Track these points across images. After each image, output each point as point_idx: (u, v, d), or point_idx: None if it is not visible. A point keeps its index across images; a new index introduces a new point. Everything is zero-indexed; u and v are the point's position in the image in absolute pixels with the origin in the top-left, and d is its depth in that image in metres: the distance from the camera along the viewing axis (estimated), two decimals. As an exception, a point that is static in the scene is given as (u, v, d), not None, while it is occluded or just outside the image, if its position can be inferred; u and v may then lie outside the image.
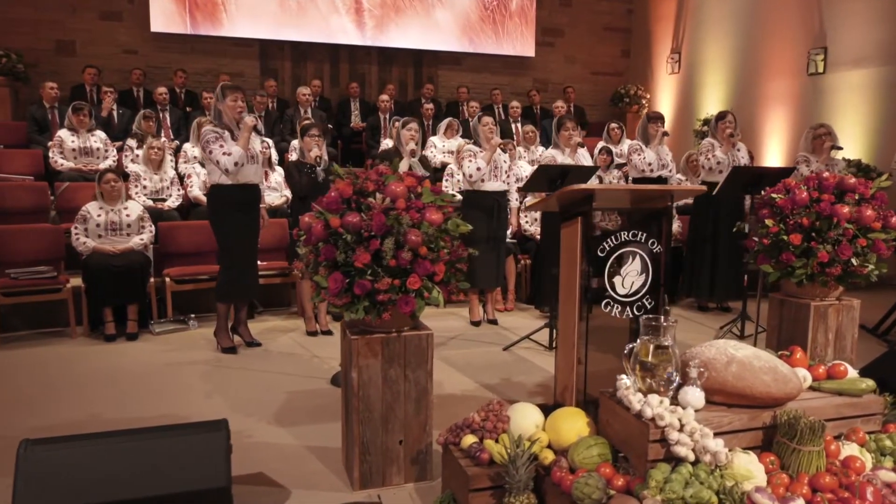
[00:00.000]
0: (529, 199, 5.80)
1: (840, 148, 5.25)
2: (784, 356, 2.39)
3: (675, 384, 2.12)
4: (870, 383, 2.27)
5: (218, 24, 8.73)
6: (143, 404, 3.48)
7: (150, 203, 5.75)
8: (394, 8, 9.36)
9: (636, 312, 3.04)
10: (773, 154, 8.20)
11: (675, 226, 6.42)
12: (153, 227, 5.15)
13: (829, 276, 3.01)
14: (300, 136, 4.82)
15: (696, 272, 5.65)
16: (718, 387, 2.11)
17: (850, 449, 2.09)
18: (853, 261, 2.96)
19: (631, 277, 2.98)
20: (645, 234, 2.97)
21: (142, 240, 4.98)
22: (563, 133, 5.26)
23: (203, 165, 5.78)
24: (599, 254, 2.91)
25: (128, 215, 4.99)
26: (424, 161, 4.90)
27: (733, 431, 2.08)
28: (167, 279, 5.11)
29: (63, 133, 6.23)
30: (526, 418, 2.33)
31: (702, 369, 2.13)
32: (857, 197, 3.07)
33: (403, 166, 4.60)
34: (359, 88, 9.09)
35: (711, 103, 9.13)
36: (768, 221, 3.13)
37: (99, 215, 4.92)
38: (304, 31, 9.09)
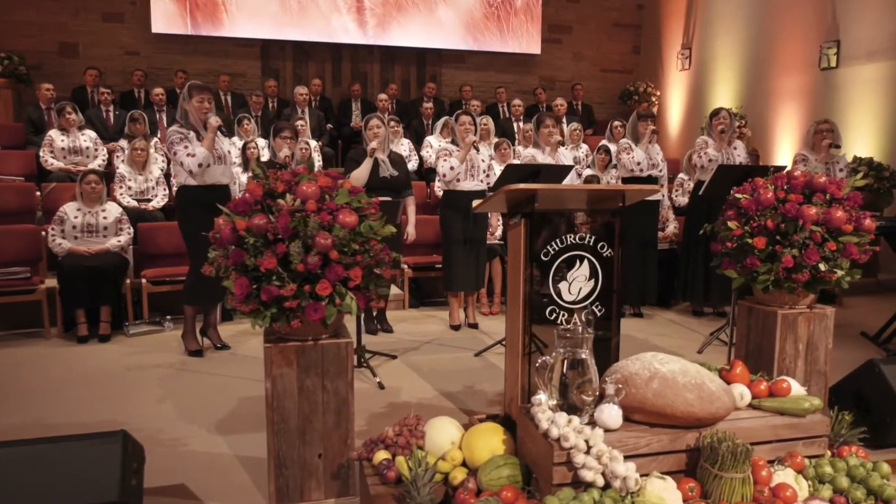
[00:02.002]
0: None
1: (838, 146, 4.97)
2: (724, 370, 2.20)
3: (592, 401, 1.96)
4: (815, 402, 2.07)
5: (219, 25, 8.73)
6: (91, 409, 3.42)
7: (135, 204, 5.74)
8: (396, 6, 9.25)
9: (584, 319, 2.87)
10: (785, 152, 7.87)
11: (672, 227, 6.18)
12: (132, 229, 5.12)
13: (795, 282, 2.79)
14: (272, 137, 4.74)
15: (690, 276, 5.42)
16: (638, 404, 1.94)
17: (783, 475, 1.90)
18: (821, 266, 2.74)
19: (578, 283, 2.80)
20: (594, 238, 2.80)
21: (118, 241, 4.95)
22: (542, 131, 5.10)
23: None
24: (543, 258, 2.75)
25: (105, 217, 4.97)
26: (398, 160, 4.77)
27: (652, 454, 1.91)
28: (143, 280, 5.08)
29: (53, 133, 6.26)
30: (441, 434, 2.18)
31: (620, 385, 1.96)
32: (827, 197, 2.85)
33: (366, 166, 4.48)
34: (360, 88, 9.00)
35: (722, 100, 8.81)
36: (731, 224, 2.93)
37: (76, 217, 4.91)
38: (306, 30, 9.03)
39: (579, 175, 6.75)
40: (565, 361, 1.95)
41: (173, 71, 8.45)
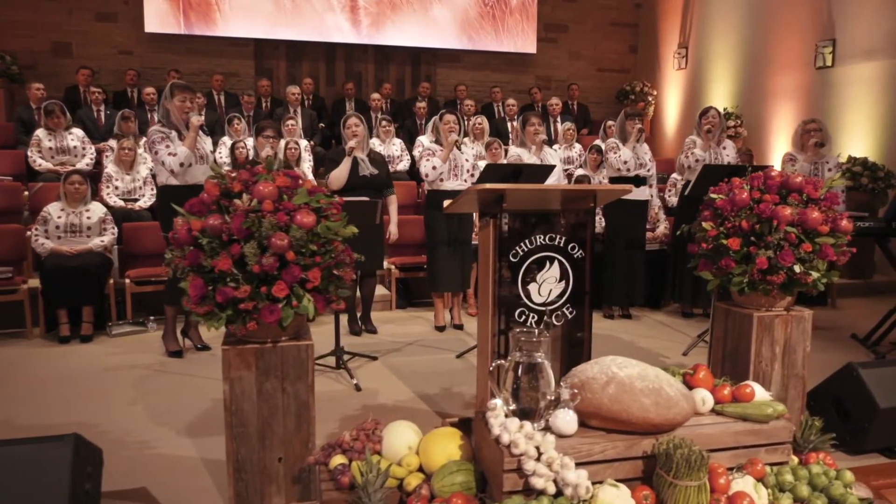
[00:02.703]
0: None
1: (822, 145, 4.90)
2: (687, 375, 2.15)
3: (546, 406, 1.91)
4: (778, 408, 2.02)
5: (212, 24, 8.71)
6: (64, 410, 3.39)
7: (122, 203, 5.72)
8: (390, 5, 9.21)
9: (555, 323, 2.82)
10: (781, 152, 7.75)
11: (662, 227, 6.12)
12: (116, 229, 5.10)
13: (770, 283, 2.74)
14: (255, 136, 4.70)
15: (678, 277, 5.35)
16: (594, 410, 1.90)
17: (742, 483, 1.85)
18: (795, 268, 2.69)
19: (548, 285, 2.75)
20: (564, 239, 2.75)
21: (101, 242, 4.92)
22: (528, 129, 5.05)
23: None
24: (512, 259, 2.70)
25: (88, 217, 4.95)
26: (379, 159, 4.73)
27: (607, 461, 1.86)
28: (127, 281, 5.05)
29: (40, 132, 6.25)
30: (398, 439, 2.14)
31: (575, 390, 1.91)
32: (804, 198, 2.80)
33: (345, 165, 4.44)
34: (354, 88, 8.97)
35: (718, 99, 8.75)
36: (706, 224, 2.88)
37: (59, 217, 4.89)
38: (299, 29, 9.01)
39: (570, 175, 6.70)
40: (520, 365, 1.90)
41: (166, 70, 8.43)
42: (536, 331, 1.94)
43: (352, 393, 3.67)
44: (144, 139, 6.73)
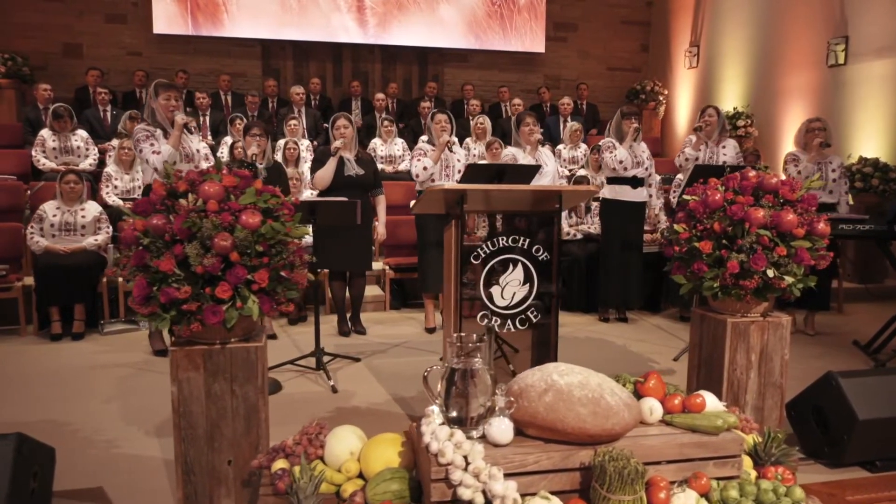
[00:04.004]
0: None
1: (828, 145, 4.75)
2: (638, 383, 2.07)
3: (480, 415, 1.85)
4: (729, 419, 1.93)
5: (219, 25, 8.77)
6: (38, 407, 3.42)
7: (121, 203, 5.77)
8: (396, 5, 9.18)
9: (519, 326, 2.76)
10: (792, 152, 7.59)
11: (663, 229, 5.99)
12: (111, 229, 5.14)
13: (743, 289, 2.64)
14: (243, 136, 4.70)
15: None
16: (530, 419, 1.83)
17: (683, 498, 1.77)
18: (769, 272, 2.59)
19: (512, 288, 2.70)
20: (528, 241, 2.69)
21: (95, 241, 4.96)
22: (523, 129, 4.97)
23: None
24: (474, 261, 2.65)
25: (83, 216, 4.99)
26: (366, 159, 4.69)
27: (541, 472, 1.79)
28: (120, 279, 5.08)
29: (44, 133, 6.34)
30: (340, 444, 2.09)
31: (511, 398, 1.85)
32: (780, 200, 2.69)
33: (331, 165, 4.42)
34: (360, 87, 8.96)
35: (729, 98, 8.56)
36: (678, 227, 2.78)
37: (54, 215, 4.95)
38: (306, 30, 9.02)
39: (571, 175, 6.61)
40: (455, 371, 1.85)
41: (175, 71, 8.50)
42: (474, 335, 1.87)
43: (327, 395, 3.64)
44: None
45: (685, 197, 2.82)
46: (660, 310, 5.75)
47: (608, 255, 5.27)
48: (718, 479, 1.89)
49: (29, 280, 4.94)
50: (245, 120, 7.22)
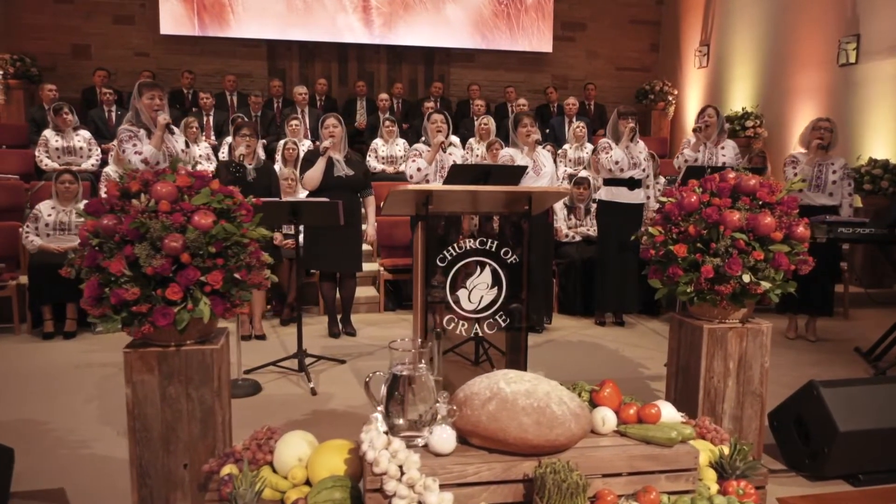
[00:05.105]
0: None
1: (825, 147, 4.61)
2: (594, 391, 2.00)
3: (425, 422, 1.79)
4: (683, 431, 1.85)
5: (225, 26, 8.81)
6: (16, 407, 3.42)
7: (119, 202, 5.79)
8: (402, 5, 9.15)
9: (487, 330, 2.70)
10: (801, 154, 7.41)
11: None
12: (105, 227, 5.16)
13: (719, 294, 2.55)
14: (232, 136, 4.69)
15: (673, 283, 5.12)
16: (472, 428, 1.77)
17: (630, 513, 1.70)
18: (744, 277, 2.49)
19: (479, 291, 2.64)
20: (496, 243, 2.63)
21: (89, 239, 4.99)
22: (520, 130, 4.90)
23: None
24: (440, 263, 2.59)
25: (78, 216, 5.02)
26: (355, 160, 4.66)
27: (482, 483, 1.73)
28: (114, 278, 5.10)
29: (48, 133, 6.40)
30: (288, 450, 2.04)
31: (453, 406, 1.79)
32: (758, 202, 2.60)
33: (320, 165, 4.38)
34: (366, 87, 8.94)
35: (739, 98, 8.40)
36: (653, 229, 2.70)
37: (49, 215, 4.99)
38: (312, 30, 9.03)
39: (572, 176, 6.52)
40: (397, 378, 1.79)
41: (181, 72, 8.56)
42: (419, 341, 1.82)
43: (306, 397, 3.60)
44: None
45: (661, 199, 2.73)
46: (658, 314, 5.64)
47: (605, 258, 5.18)
48: (671, 493, 1.81)
49: (24, 279, 4.98)
50: (247, 120, 7.23)
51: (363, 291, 5.79)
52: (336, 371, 4.06)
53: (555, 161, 6.93)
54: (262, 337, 4.77)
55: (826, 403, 2.59)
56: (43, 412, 3.34)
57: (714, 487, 1.98)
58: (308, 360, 3.98)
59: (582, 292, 5.64)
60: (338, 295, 4.95)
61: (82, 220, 5.18)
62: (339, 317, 4.95)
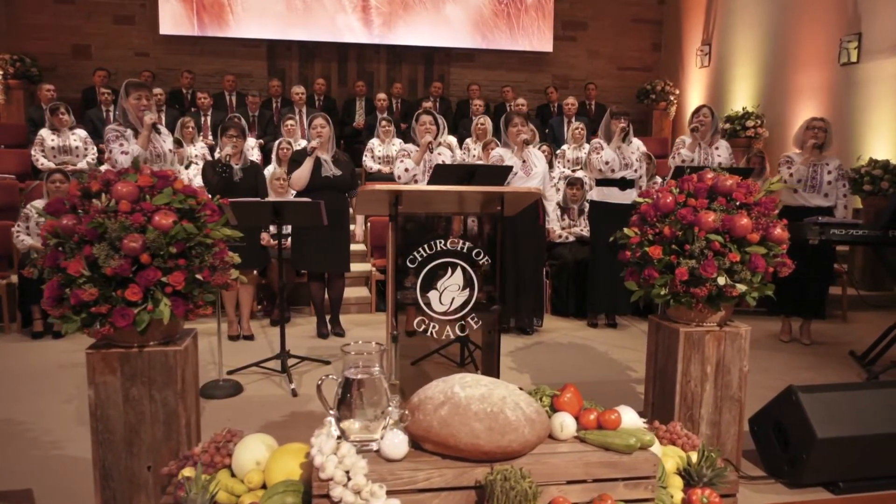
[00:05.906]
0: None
1: (820, 147, 4.53)
2: (555, 397, 1.96)
3: (375, 426, 1.76)
4: (644, 438, 1.81)
5: (225, 26, 8.82)
6: (-2, 406, 3.43)
7: (112, 202, 5.81)
8: (402, 5, 9.13)
9: (459, 333, 2.67)
10: (803, 154, 7.32)
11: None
12: (97, 226, 5.17)
13: (694, 297, 2.50)
14: (220, 135, 4.68)
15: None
16: (424, 433, 1.73)
17: (583, 521, 1.65)
18: (720, 280, 2.44)
19: (450, 293, 2.60)
20: (468, 244, 2.59)
21: (80, 238, 4.99)
22: (510, 130, 4.87)
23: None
24: (409, 265, 2.56)
25: (38, 216, 5.03)
26: (343, 160, 4.63)
27: (432, 490, 1.69)
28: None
29: (44, 132, 6.42)
30: (246, 454, 2.01)
31: (405, 411, 1.75)
32: (735, 203, 2.55)
33: (307, 165, 4.36)
34: (365, 87, 8.93)
35: (741, 98, 8.31)
36: (628, 231, 2.66)
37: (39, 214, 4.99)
38: (311, 30, 9.02)
39: (568, 177, 6.47)
40: (350, 381, 1.76)
41: (180, 71, 8.57)
42: (374, 343, 1.79)
43: (287, 399, 3.58)
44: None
45: (637, 199, 2.69)
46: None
47: (597, 259, 5.12)
48: (629, 501, 1.77)
49: (14, 278, 4.99)
50: (242, 120, 7.23)
51: (355, 292, 5.77)
52: (320, 372, 4.03)
53: (552, 161, 6.90)
54: (250, 337, 4.75)
55: (804, 409, 2.53)
56: (22, 412, 3.34)
57: (678, 496, 1.94)
58: (292, 362, 3.96)
59: (575, 294, 5.59)
60: (327, 295, 4.93)
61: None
62: (328, 317, 4.93)
